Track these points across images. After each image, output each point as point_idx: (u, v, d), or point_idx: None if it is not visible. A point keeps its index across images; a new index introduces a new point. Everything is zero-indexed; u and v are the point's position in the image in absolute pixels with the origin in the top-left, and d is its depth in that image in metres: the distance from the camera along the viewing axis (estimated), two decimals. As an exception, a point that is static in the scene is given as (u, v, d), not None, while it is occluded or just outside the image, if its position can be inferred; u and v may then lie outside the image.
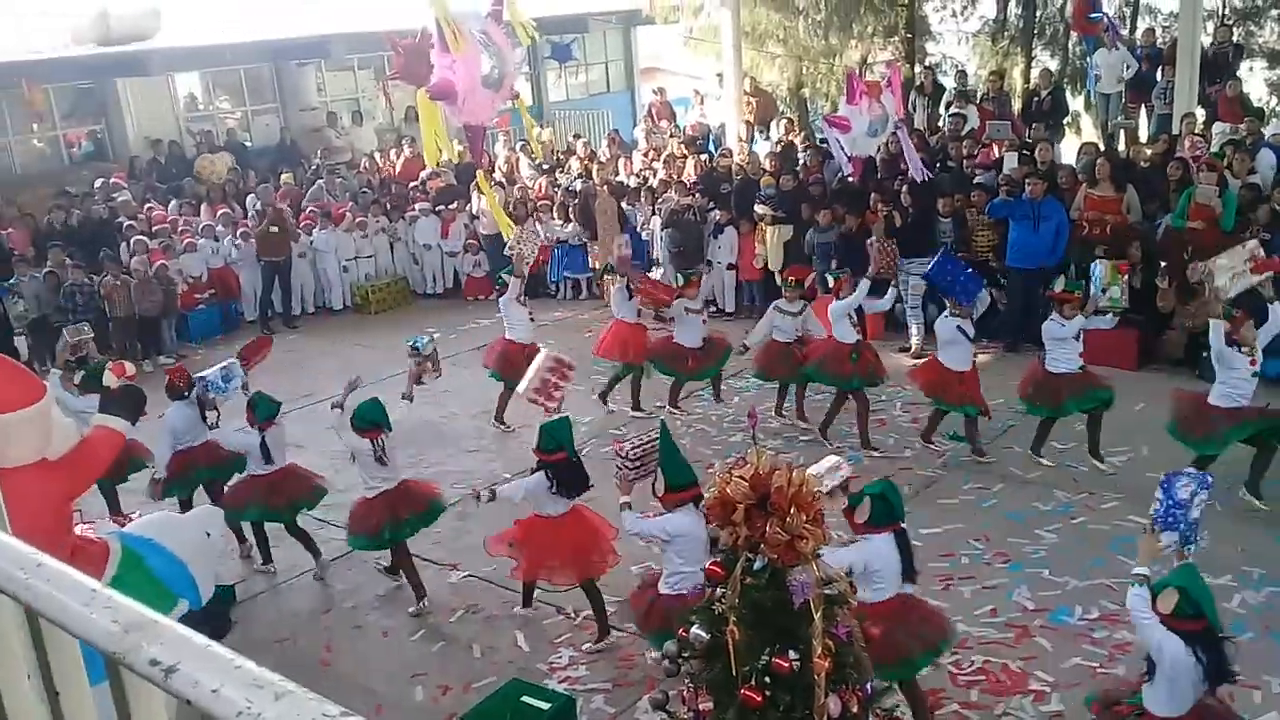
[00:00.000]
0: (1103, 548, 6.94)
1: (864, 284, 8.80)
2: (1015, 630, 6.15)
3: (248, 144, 18.15)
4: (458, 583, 7.21)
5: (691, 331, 9.56)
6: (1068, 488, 7.87)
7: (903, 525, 5.09)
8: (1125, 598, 4.42)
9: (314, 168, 16.23)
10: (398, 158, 16.68)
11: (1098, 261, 8.32)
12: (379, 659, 6.46)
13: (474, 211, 14.61)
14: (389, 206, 15.31)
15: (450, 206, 14.88)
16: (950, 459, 8.56)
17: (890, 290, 9.22)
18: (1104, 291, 8.05)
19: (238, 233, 13.95)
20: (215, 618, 6.66)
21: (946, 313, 8.35)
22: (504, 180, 15.09)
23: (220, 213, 14.34)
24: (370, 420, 6.71)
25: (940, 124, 13.71)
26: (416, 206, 15.03)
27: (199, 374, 7.78)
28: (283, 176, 15.59)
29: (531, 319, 10.11)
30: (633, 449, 5.60)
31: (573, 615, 6.66)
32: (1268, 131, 11.33)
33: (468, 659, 6.37)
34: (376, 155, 17.16)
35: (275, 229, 13.68)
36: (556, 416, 6.60)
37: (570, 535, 6.23)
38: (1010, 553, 7.00)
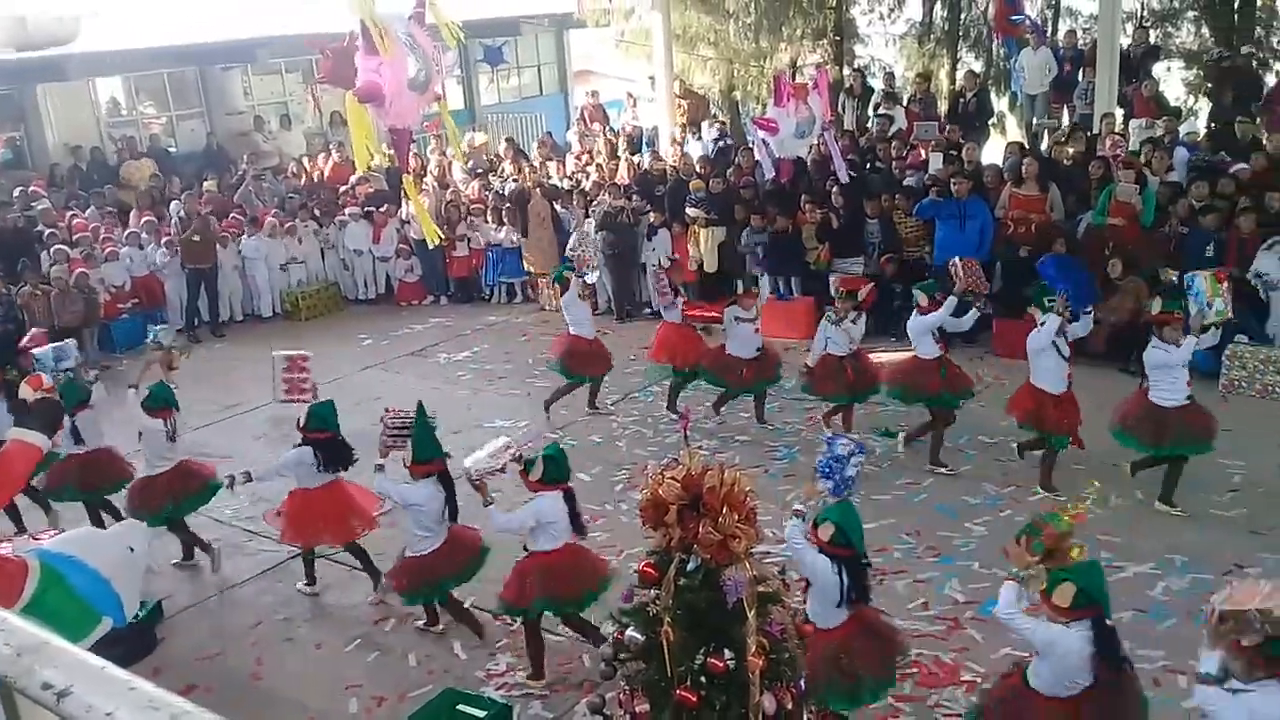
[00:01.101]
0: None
1: (951, 301, 8.16)
2: (947, 622, 6.24)
3: (172, 149, 17.76)
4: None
5: (744, 341, 9.08)
6: (995, 481, 8.01)
7: (570, 485, 5.90)
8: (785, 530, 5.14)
9: (241, 173, 15.93)
10: (326, 162, 16.44)
11: (1195, 274, 7.48)
12: (312, 672, 6.36)
13: (405, 216, 14.46)
14: (319, 212, 15.10)
15: (381, 211, 14.72)
16: (882, 455, 8.66)
17: (973, 311, 8.36)
18: (1209, 306, 7.25)
19: (161, 240, 13.64)
20: (140, 635, 6.52)
21: (1041, 325, 7.63)
22: (436, 184, 14.96)
23: (144, 220, 14.01)
24: (162, 400, 7.19)
25: (869, 125, 13.89)
26: (347, 211, 14.85)
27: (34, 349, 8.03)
28: (205, 183, 15.27)
29: (595, 314, 10.08)
30: (392, 419, 6.35)
31: (510, 621, 6.61)
32: (1183, 130, 11.64)
33: (403, 669, 6.29)
34: (305, 160, 16.89)
35: (198, 237, 13.42)
36: (321, 400, 7.32)
37: (332, 503, 6.97)
38: (941, 546, 7.11)
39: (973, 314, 8.35)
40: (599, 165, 14.39)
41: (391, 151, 7.00)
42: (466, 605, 6.54)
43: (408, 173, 8.74)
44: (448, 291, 14.72)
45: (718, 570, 4.06)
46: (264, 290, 14.30)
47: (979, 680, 5.65)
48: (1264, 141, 10.92)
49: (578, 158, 15.33)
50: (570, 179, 14.57)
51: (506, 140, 16.61)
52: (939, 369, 8.20)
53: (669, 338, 9.63)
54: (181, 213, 13.94)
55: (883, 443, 8.81)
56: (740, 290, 9.13)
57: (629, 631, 4.22)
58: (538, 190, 13.86)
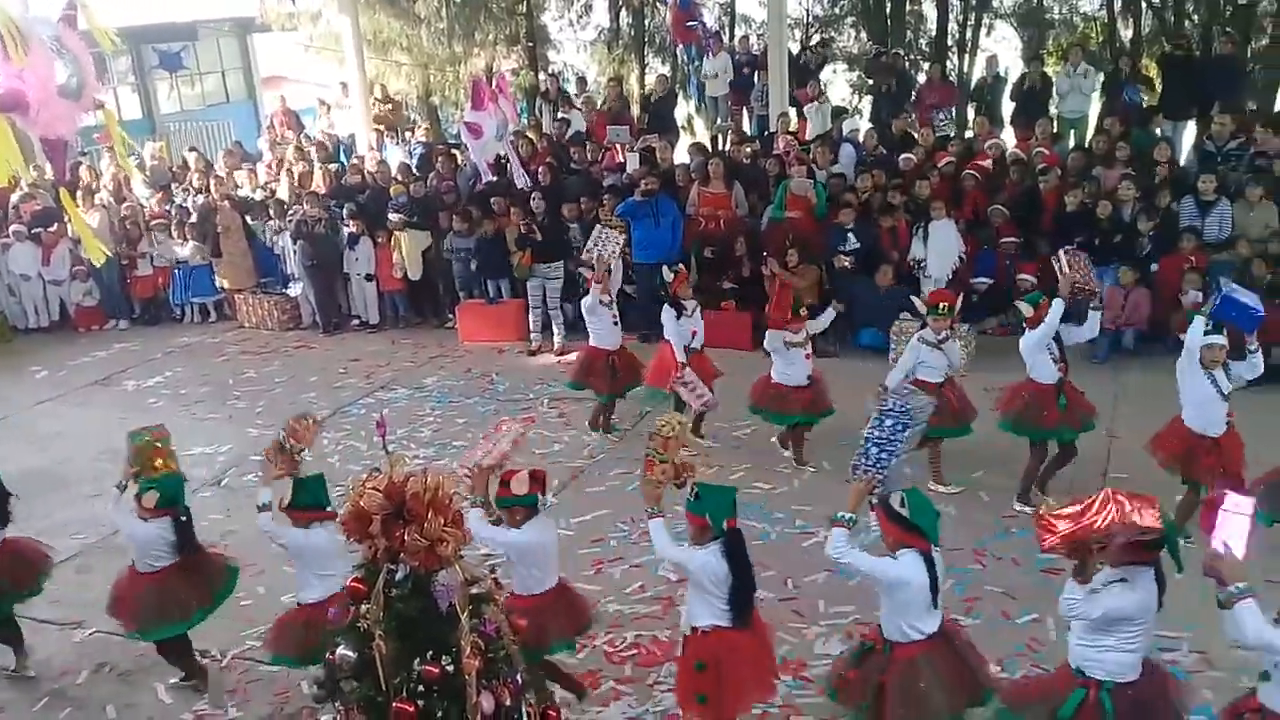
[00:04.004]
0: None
1: (1058, 305, 6.97)
2: (662, 602, 6.51)
3: None
4: (84, 641, 6.56)
5: (796, 368, 8.01)
6: (700, 463, 8.39)
7: None
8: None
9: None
10: (-20, 180, 14.82)
11: None
12: (-7, 739, 5.78)
13: (76, 234, 13.32)
14: (-26, 235, 13.62)
15: (50, 230, 13.47)
16: (596, 447, 8.90)
17: (1094, 314, 7.23)
18: None
19: None
20: None
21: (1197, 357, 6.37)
22: (111, 198, 13.88)
23: None
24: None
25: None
26: (10, 232, 13.48)
27: None
28: None
29: (616, 323, 8.84)
30: None
31: (219, 657, 6.28)
32: (846, 127, 12.69)
33: (100, 722, 5.84)
34: (-46, 178, 15.16)
35: None
36: None
37: None
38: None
39: (1096, 316, 7.23)
40: (299, 173, 13.78)
41: (45, 165, 6.43)
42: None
43: (64, 186, 8.02)
44: (132, 314, 13.72)
45: (428, 577, 4.05)
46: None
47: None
48: (916, 137, 12.12)
49: (269, 167, 14.67)
50: (264, 189, 13.93)
51: (191, 150, 15.64)
52: (1057, 396, 7.08)
53: (667, 359, 8.46)
54: None
55: (596, 438, 9.04)
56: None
57: (340, 650, 4.12)
58: (226, 202, 13.15)
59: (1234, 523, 3.95)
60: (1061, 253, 7.32)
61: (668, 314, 8.37)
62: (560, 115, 13.92)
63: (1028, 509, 7.07)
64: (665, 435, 5.04)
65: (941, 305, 7.48)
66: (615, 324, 8.81)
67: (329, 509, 5.37)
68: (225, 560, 6.16)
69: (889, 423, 4.83)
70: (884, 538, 4.59)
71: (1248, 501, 4.01)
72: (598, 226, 9.46)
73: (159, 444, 5.84)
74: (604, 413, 9.03)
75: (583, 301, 8.87)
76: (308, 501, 5.34)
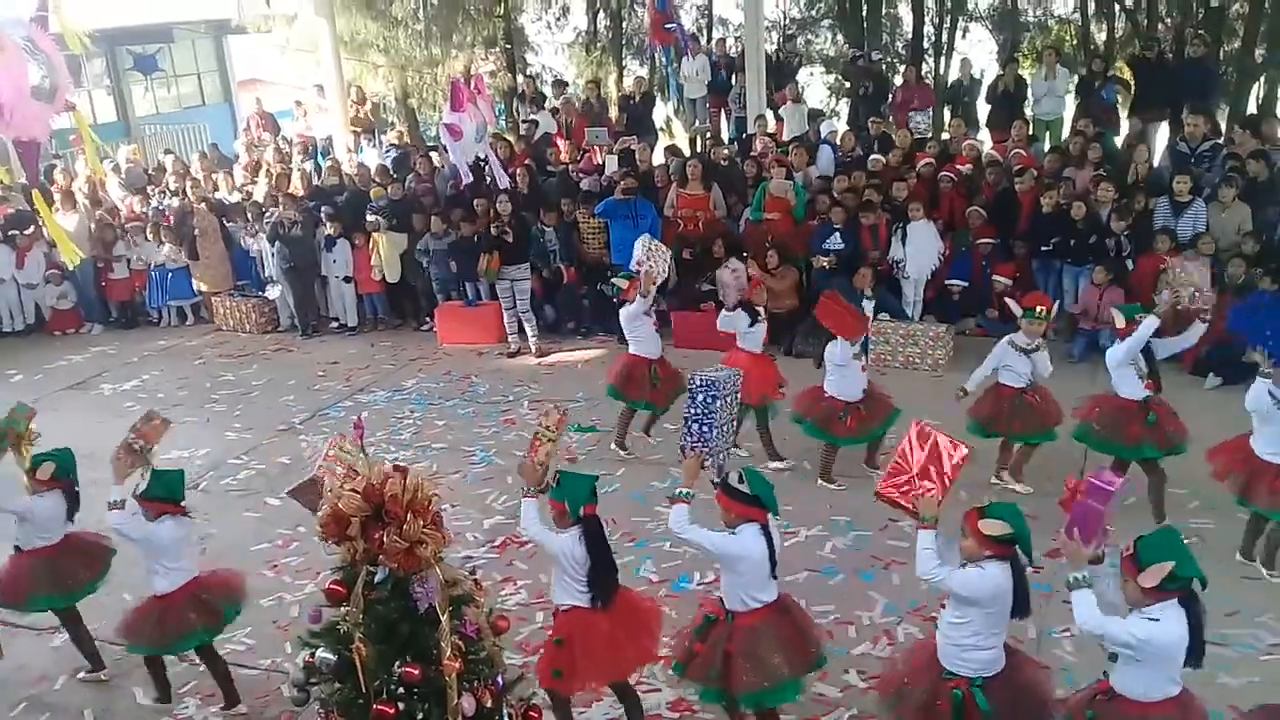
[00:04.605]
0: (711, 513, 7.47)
1: (1151, 322, 6.60)
2: (645, 604, 6.49)
3: None
4: (61, 646, 6.50)
5: (851, 381, 7.56)
6: (678, 465, 8.39)
7: None
8: None
9: None
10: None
11: None
12: (-32, 747, 5.72)
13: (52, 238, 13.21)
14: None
15: (25, 234, 13.36)
16: (576, 448, 8.89)
17: (1197, 324, 6.86)
18: None
19: None
20: None
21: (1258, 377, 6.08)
22: (87, 201, 13.78)
23: None
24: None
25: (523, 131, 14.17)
26: (-18, 235, 13.37)
27: None
28: None
29: (656, 331, 8.61)
30: None
31: (198, 663, 6.24)
32: (824, 129, 12.74)
33: (78, 727, 5.79)
34: (-74, 182, 15.01)
35: None
36: None
37: None
38: (635, 531, 7.39)
39: (1199, 328, 6.85)
40: (277, 175, 13.71)
41: (16, 167, 6.39)
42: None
43: (36, 188, 7.97)
44: (108, 317, 13.62)
45: (407, 578, 4.04)
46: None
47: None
48: (894, 138, 12.18)
49: (246, 169, 14.60)
50: (241, 191, 13.86)
51: (167, 152, 15.55)
52: (1144, 414, 6.71)
53: (738, 367, 8.11)
54: None
55: (579, 438, 9.05)
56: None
57: (319, 653, 4.11)
58: (203, 205, 13.08)
59: (1090, 512, 4.01)
60: (1178, 270, 6.94)
61: (741, 319, 8.08)
62: (529, 117, 13.89)
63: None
64: (560, 414, 5.26)
65: (1039, 309, 7.13)
66: (656, 332, 8.54)
67: (181, 503, 5.47)
68: (105, 543, 6.17)
69: (700, 398, 5.17)
70: (724, 515, 4.80)
71: (1112, 494, 3.99)
72: (646, 237, 8.76)
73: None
74: (643, 421, 8.74)
75: (621, 312, 8.52)
76: (160, 494, 5.38)
